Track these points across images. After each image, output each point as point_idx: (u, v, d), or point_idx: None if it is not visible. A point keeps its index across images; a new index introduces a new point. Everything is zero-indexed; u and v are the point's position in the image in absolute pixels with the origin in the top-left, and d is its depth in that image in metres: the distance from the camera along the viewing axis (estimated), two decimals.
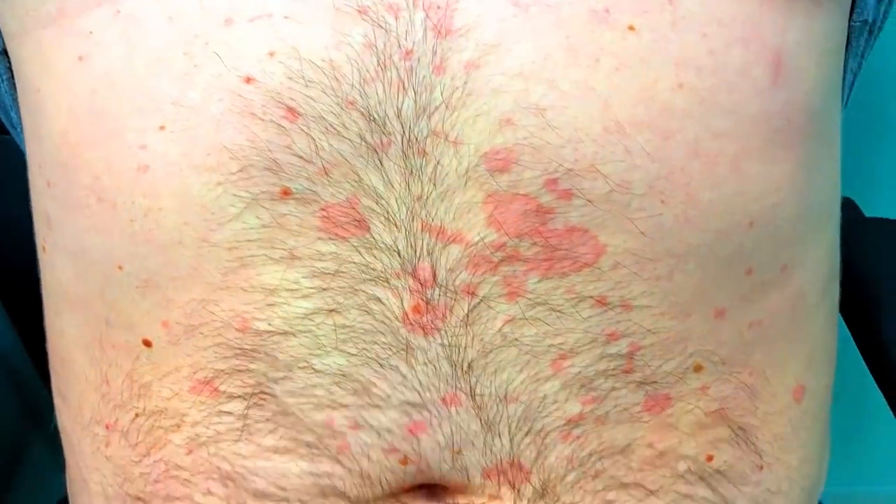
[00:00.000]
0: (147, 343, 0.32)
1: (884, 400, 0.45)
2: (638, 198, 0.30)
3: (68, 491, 0.39)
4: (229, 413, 0.31)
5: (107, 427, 0.34)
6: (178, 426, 0.32)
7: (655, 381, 0.31)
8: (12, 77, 0.37)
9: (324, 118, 0.29)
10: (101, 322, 0.33)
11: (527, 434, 0.31)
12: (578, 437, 0.31)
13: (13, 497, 0.60)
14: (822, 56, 0.32)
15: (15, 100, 0.39)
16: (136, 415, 0.33)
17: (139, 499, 0.33)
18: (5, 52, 0.36)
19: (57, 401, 0.38)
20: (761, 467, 0.34)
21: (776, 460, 0.34)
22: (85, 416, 0.35)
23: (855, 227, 0.50)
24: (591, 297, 0.30)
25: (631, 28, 0.29)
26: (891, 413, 0.44)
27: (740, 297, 0.32)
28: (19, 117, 0.39)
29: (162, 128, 0.30)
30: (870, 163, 0.72)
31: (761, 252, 0.32)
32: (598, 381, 0.31)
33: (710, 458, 0.32)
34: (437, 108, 0.29)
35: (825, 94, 0.33)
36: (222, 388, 0.31)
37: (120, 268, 0.32)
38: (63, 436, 0.38)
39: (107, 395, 0.34)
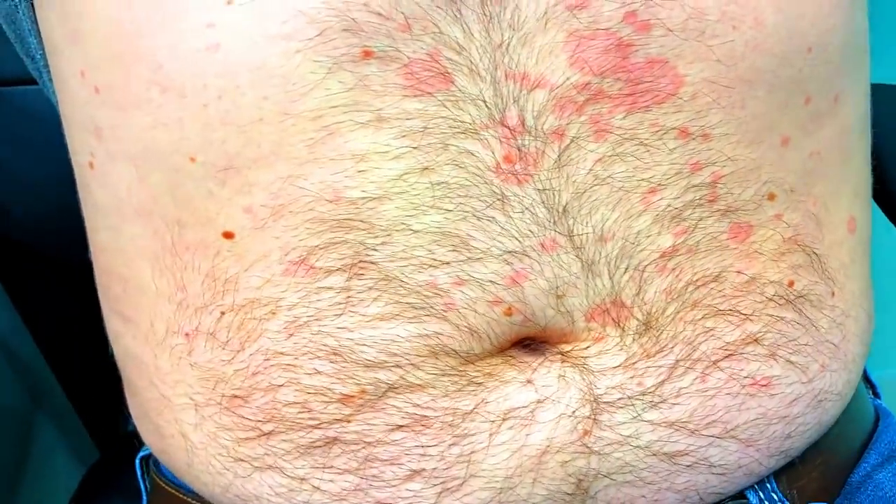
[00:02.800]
0: (228, 235, 0.31)
1: None
2: (712, 24, 0.30)
3: (137, 425, 0.38)
4: (329, 288, 0.31)
5: (186, 336, 0.33)
6: (274, 313, 0.31)
7: (738, 209, 0.32)
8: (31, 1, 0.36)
9: None
10: (171, 226, 0.32)
11: (625, 271, 0.31)
12: (674, 269, 0.32)
13: (25, 475, 0.58)
14: None
15: (34, 22, 0.37)
16: (222, 313, 0.32)
17: (236, 396, 0.32)
18: None
19: (116, 325, 0.36)
20: (833, 293, 0.35)
21: (843, 287, 0.36)
22: (158, 331, 0.34)
23: None
24: (675, 128, 0.31)
25: None
26: None
27: (800, 126, 0.33)
28: (39, 42, 0.37)
29: (229, 2, 0.29)
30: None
31: (817, 80, 0.33)
32: (686, 211, 0.31)
33: (791, 284, 0.33)
34: None
35: None
36: (318, 264, 0.31)
37: (192, 160, 0.31)
38: (127, 360, 0.37)
39: (183, 302, 0.33)
